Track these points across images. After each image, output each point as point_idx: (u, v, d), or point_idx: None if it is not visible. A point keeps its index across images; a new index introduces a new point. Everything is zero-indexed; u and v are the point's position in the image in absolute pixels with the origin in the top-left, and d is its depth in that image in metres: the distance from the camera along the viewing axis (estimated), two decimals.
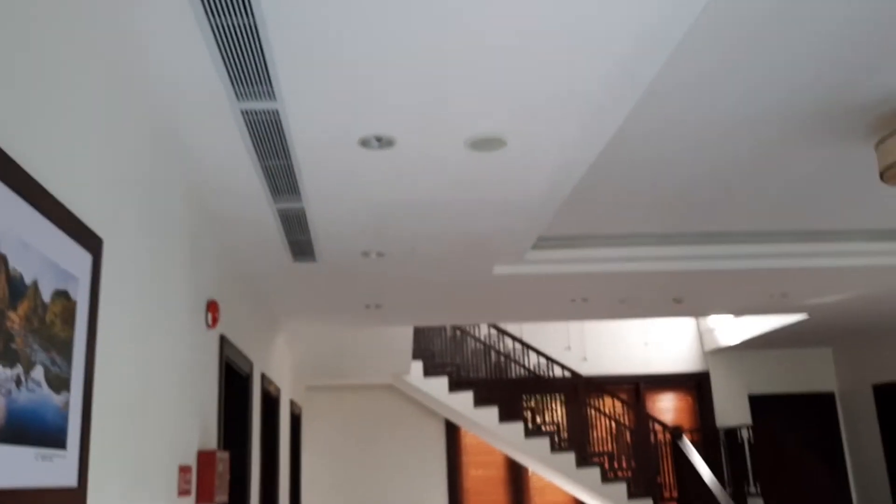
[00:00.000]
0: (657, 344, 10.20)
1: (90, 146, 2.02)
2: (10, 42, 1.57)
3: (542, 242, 5.17)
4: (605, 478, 8.70)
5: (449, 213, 3.85)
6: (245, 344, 4.84)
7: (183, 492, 3.18)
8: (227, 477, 3.72)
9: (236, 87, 2.40)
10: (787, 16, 2.64)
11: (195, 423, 3.45)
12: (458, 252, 4.61)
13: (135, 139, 2.45)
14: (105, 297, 2.12)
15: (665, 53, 2.35)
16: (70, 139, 1.87)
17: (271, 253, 4.47)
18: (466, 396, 8.82)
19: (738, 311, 7.40)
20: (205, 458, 3.45)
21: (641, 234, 5.19)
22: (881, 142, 3.25)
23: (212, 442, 3.78)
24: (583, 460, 8.74)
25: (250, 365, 5.02)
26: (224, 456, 3.69)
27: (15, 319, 1.53)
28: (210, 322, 3.67)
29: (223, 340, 4.07)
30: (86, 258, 1.91)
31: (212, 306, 3.68)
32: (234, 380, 4.84)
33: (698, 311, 7.12)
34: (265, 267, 4.78)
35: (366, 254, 4.55)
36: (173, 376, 3.03)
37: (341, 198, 3.55)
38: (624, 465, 8.98)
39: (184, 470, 3.20)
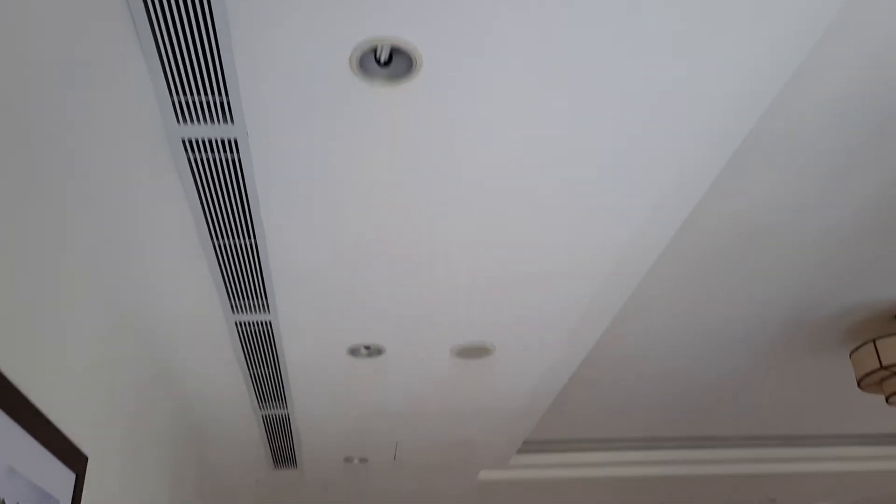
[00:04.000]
0: None
1: (82, 361, 2.05)
2: (10, 264, 1.65)
3: (528, 447, 5.10)
4: None
5: (435, 417, 3.83)
6: None
7: None
8: None
9: (232, 300, 2.49)
10: (757, 235, 2.83)
11: None
12: (443, 457, 4.53)
13: (128, 354, 2.49)
14: None
15: (642, 272, 2.48)
16: (62, 355, 1.91)
17: (251, 462, 4.37)
18: None
19: None
20: None
21: (628, 438, 5.15)
22: (854, 351, 3.36)
23: None
24: None
25: None
26: None
27: None
28: None
29: None
30: (69, 477, 1.88)
31: None
32: None
33: None
34: (245, 478, 4.65)
35: (349, 460, 4.45)
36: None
37: (328, 403, 3.55)
38: None
39: None
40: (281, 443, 4.06)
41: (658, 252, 2.34)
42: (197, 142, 1.70)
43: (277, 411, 3.59)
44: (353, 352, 2.98)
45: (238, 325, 2.65)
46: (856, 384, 4.12)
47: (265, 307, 2.54)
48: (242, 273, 2.31)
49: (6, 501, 1.56)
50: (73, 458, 1.90)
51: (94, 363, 2.15)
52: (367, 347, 2.96)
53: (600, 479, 5.29)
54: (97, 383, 2.18)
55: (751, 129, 1.90)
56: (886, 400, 3.32)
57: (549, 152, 1.83)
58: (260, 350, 2.87)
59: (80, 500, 1.94)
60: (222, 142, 1.71)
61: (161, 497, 3.08)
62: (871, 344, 3.21)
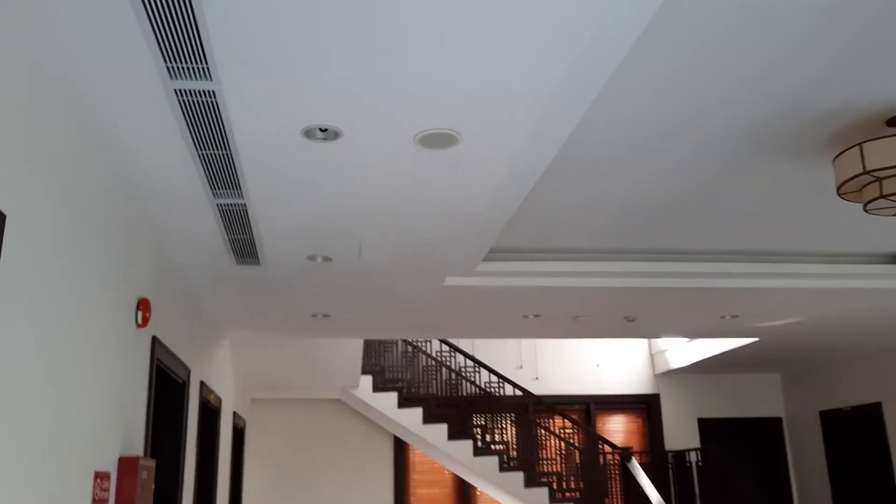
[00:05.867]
0: (609, 365, 10.16)
1: None
2: None
3: (495, 255, 5.06)
4: (554, 498, 8.58)
5: (399, 217, 3.71)
6: (182, 349, 4.62)
7: (99, 500, 2.96)
8: (151, 486, 3.50)
9: (169, 63, 2.24)
10: (741, 29, 2.58)
11: (116, 428, 3.24)
12: (407, 260, 4.48)
13: (53, 120, 2.28)
14: (2, 280, 1.93)
15: (619, 55, 2.26)
16: None
17: (213, 255, 4.28)
18: (416, 413, 8.64)
19: (690, 334, 7.38)
20: (126, 464, 3.23)
21: (595, 249, 5.12)
22: (838, 156, 3.22)
23: (137, 449, 3.56)
24: (531, 480, 8.60)
25: (187, 372, 4.80)
26: (149, 464, 3.48)
27: None
28: (140, 321, 3.47)
29: (156, 342, 3.85)
30: None
31: (143, 304, 3.48)
32: (169, 387, 4.61)
33: (650, 331, 7.08)
34: (207, 270, 4.58)
35: (312, 258, 4.38)
36: (90, 374, 2.83)
37: (285, 195, 3.39)
38: (573, 485, 8.87)
39: (100, 476, 2.98)
40: (240, 236, 3.95)
41: (644, 22, 2.10)
42: None
43: (233, 200, 3.44)
44: (309, 134, 2.77)
45: (178, 93, 2.42)
46: (835, 191, 4.03)
47: (206, 72, 2.30)
48: (175, 27, 2.06)
49: None
50: None
51: (13, 123, 1.94)
52: (324, 130, 2.75)
53: (566, 288, 5.32)
54: (17, 143, 1.99)
55: None
56: (864, 207, 3.23)
57: None
58: (206, 126, 2.65)
59: None
60: None
61: (114, 278, 2.98)
62: (857, 148, 3.06)
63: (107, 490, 3.07)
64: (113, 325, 3.10)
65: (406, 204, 3.54)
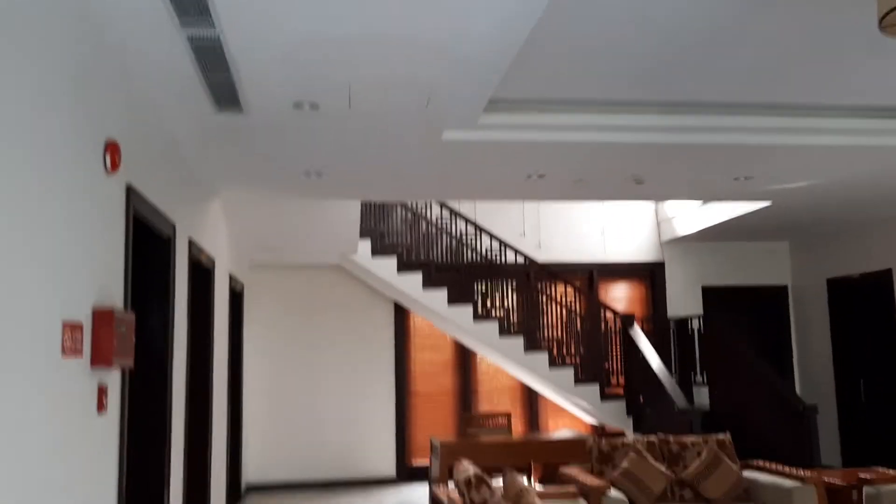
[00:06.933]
0: (614, 233, 9.97)
1: None
2: None
3: (497, 105, 4.72)
4: (553, 363, 8.60)
5: (391, 51, 3.36)
6: (163, 201, 4.38)
7: (70, 351, 2.79)
8: (131, 340, 3.35)
9: None
10: None
11: (86, 278, 3.03)
12: (402, 109, 4.15)
13: None
14: None
15: None
16: None
17: (190, 99, 3.95)
18: (415, 278, 8.53)
19: (701, 196, 7.11)
20: (101, 316, 3.05)
21: (604, 101, 4.76)
22: None
23: (115, 302, 3.38)
24: (531, 345, 8.60)
25: (172, 227, 4.58)
26: (126, 317, 3.30)
27: None
28: (109, 166, 3.19)
29: (130, 191, 3.60)
30: None
31: (111, 148, 3.19)
32: (151, 241, 4.40)
33: (659, 193, 6.80)
34: (186, 118, 4.26)
35: (298, 105, 4.06)
36: (53, 220, 2.59)
37: (264, 25, 3.04)
38: (573, 351, 8.88)
39: (71, 327, 2.80)
40: (218, 77, 3.62)
41: None
42: None
43: (204, 32, 3.09)
44: None
45: None
46: (861, 38, 3.64)
47: None
48: None
49: None
50: None
51: None
52: None
53: (572, 143, 5.00)
54: None
55: None
56: None
57: None
58: None
59: None
60: None
61: (75, 117, 2.69)
62: None
63: (80, 341, 2.90)
64: (77, 169, 2.83)
65: (398, 34, 3.18)
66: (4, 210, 2.19)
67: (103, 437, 3.24)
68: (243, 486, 8.57)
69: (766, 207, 7.52)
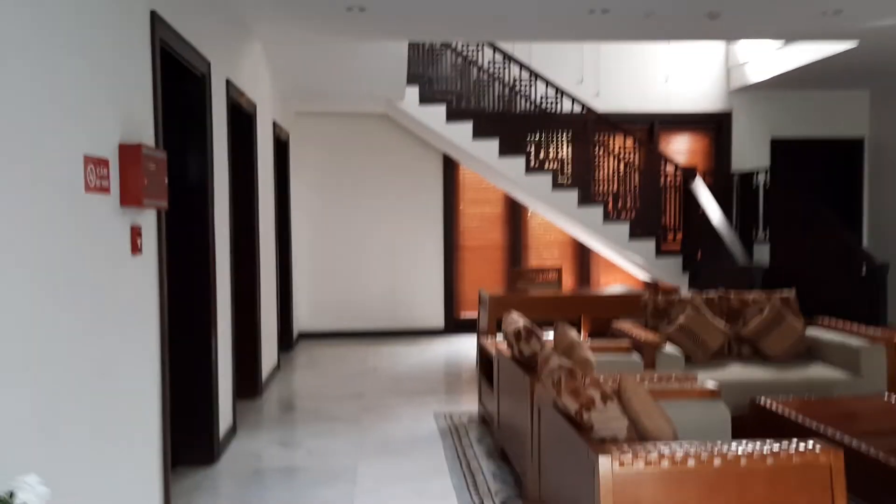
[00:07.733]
0: (678, 80, 9.30)
1: None
2: None
3: None
4: (608, 217, 8.29)
5: None
6: (196, 36, 4.06)
7: (95, 188, 2.60)
8: (163, 180, 3.14)
9: None
10: None
11: (110, 111, 2.79)
12: None
13: None
14: None
15: None
16: None
17: None
18: (465, 127, 8.14)
19: (780, 34, 6.47)
20: (128, 151, 2.83)
21: None
22: None
23: (143, 138, 3.15)
24: (585, 199, 8.26)
25: (207, 65, 4.28)
26: (157, 154, 3.08)
27: None
28: None
29: (155, 18, 3.29)
30: None
31: None
32: (185, 78, 4.12)
33: (734, 31, 6.19)
34: None
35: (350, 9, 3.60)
36: (66, 44, 2.32)
37: None
38: (629, 205, 8.53)
39: (94, 162, 2.59)
40: None
41: None
42: None
43: None
44: None
45: None
46: None
47: None
48: None
49: None
50: None
51: None
52: None
53: None
54: None
55: None
56: None
57: None
58: None
59: None
60: None
61: None
62: None
63: (106, 178, 2.70)
64: None
65: None
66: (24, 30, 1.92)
67: (139, 280, 3.11)
68: (295, 333, 8.70)
69: (852, 49, 6.83)
